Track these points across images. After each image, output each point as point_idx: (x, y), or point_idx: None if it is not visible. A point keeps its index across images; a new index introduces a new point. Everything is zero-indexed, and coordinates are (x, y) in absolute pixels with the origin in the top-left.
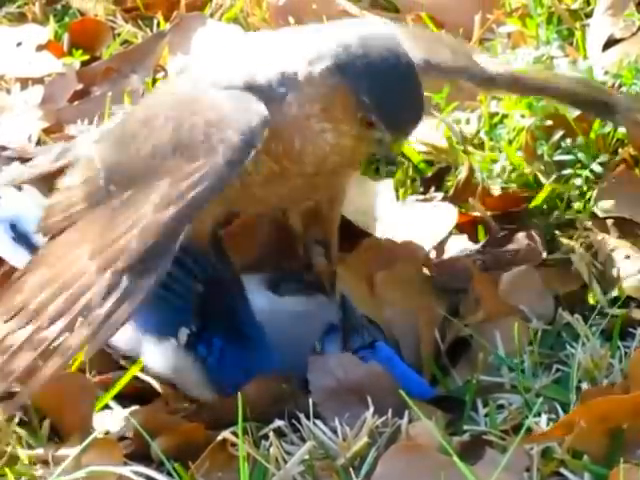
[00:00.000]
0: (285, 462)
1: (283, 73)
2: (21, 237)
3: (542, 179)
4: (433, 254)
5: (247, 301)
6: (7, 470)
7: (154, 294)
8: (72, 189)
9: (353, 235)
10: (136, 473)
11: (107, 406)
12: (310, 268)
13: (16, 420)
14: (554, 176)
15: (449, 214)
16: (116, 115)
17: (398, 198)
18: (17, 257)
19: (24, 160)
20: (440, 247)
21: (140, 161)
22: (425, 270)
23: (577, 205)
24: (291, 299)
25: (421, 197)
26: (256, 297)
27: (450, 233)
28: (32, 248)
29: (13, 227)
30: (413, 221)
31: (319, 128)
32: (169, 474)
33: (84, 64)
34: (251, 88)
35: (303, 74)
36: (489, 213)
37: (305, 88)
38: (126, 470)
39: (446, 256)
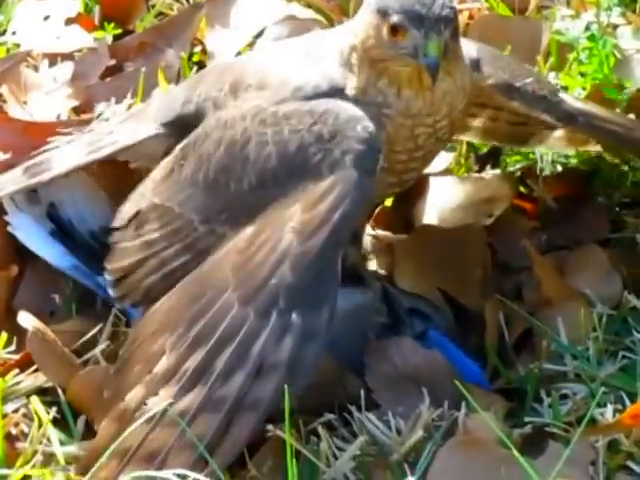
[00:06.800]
0: (335, 458)
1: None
2: (59, 229)
3: (606, 155)
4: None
5: None
6: (44, 471)
7: None
8: (151, 246)
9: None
10: (179, 476)
11: None
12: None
13: (50, 417)
14: None
15: (505, 190)
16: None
17: (454, 174)
18: (52, 253)
19: None
20: (499, 225)
21: (247, 195)
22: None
23: None
24: (346, 294)
25: (476, 175)
26: None
27: (508, 210)
28: (69, 241)
29: (51, 216)
30: (469, 198)
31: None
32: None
33: (116, 38)
34: (336, 90)
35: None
36: (549, 191)
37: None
38: (168, 473)
39: (506, 235)
